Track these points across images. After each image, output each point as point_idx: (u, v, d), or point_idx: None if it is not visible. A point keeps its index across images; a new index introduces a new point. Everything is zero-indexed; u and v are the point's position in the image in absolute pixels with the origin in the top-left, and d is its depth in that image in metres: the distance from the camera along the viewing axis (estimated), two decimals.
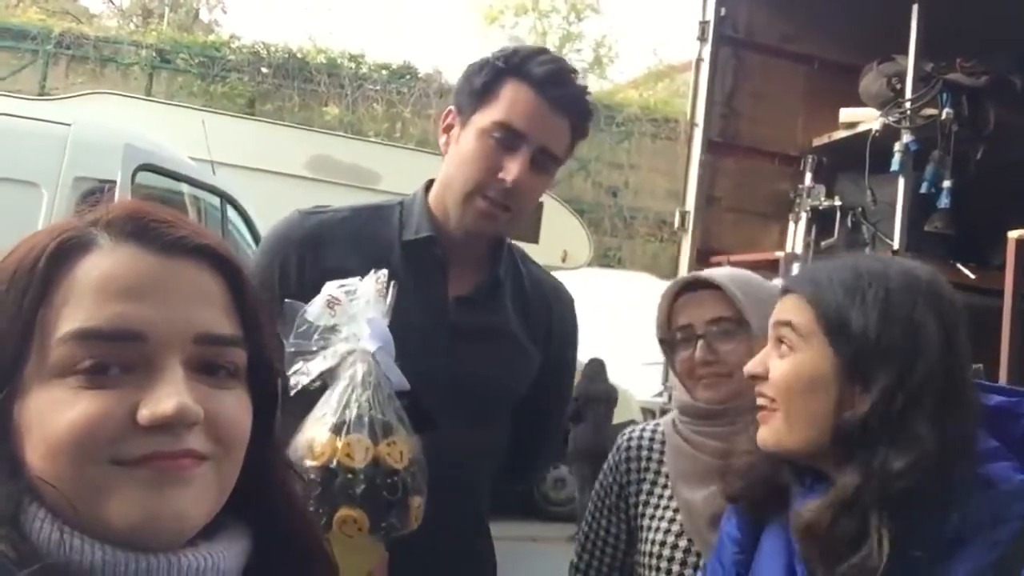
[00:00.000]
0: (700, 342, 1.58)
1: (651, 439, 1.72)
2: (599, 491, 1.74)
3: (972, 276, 3.84)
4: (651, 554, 1.63)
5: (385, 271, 1.24)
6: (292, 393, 1.16)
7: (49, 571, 0.65)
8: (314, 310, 1.19)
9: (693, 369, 1.59)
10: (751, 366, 1.24)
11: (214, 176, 4.64)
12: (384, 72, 13.89)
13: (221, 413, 0.73)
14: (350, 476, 1.10)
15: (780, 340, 1.20)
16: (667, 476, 1.66)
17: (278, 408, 0.85)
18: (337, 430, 1.13)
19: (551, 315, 1.70)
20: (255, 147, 7.23)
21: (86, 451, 0.67)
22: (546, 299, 1.70)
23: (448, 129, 1.57)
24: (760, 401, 1.22)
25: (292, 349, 1.16)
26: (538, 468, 1.84)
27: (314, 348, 1.18)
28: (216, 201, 4.28)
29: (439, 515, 1.44)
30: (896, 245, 3.84)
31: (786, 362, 1.18)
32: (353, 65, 13.90)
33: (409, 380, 1.46)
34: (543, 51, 1.56)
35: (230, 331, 0.75)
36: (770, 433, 1.19)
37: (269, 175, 6.96)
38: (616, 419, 7.57)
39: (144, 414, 0.68)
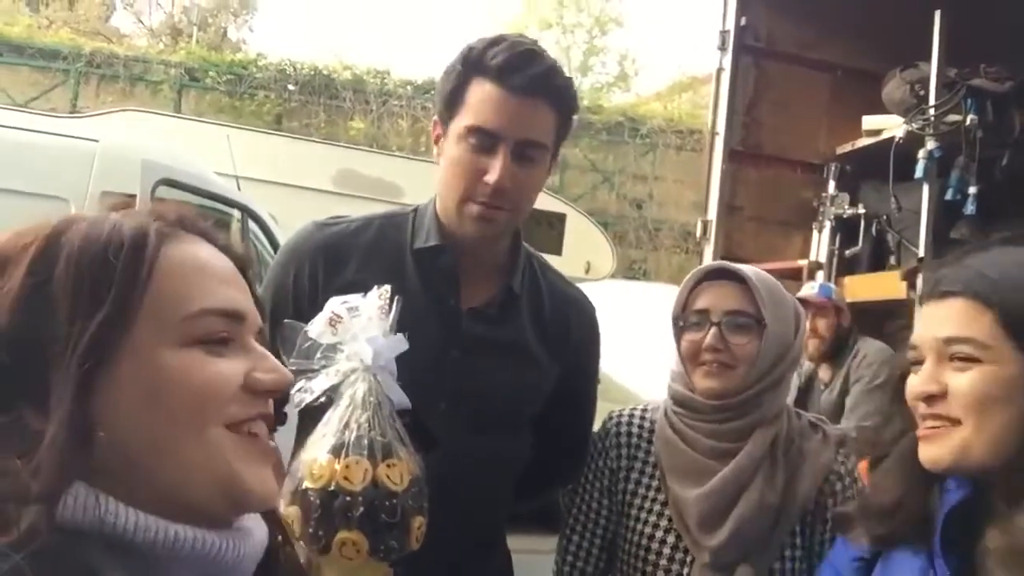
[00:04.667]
0: (713, 328, 1.56)
1: (640, 425, 1.69)
2: (589, 474, 1.70)
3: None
4: (638, 544, 1.61)
5: (388, 287, 1.23)
6: (297, 411, 1.16)
7: (47, 554, 0.66)
8: (316, 328, 1.18)
9: (698, 353, 1.58)
10: (923, 386, 1.13)
11: (239, 191, 4.69)
12: (409, 87, 13.97)
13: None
14: (349, 499, 1.09)
15: (954, 357, 1.11)
16: (654, 466, 1.64)
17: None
18: (336, 452, 1.12)
19: (570, 326, 1.65)
20: (281, 162, 7.30)
21: (210, 410, 0.75)
22: (565, 309, 1.65)
23: (437, 140, 1.55)
24: (931, 423, 1.12)
25: (295, 367, 1.15)
26: (556, 483, 1.81)
27: (316, 367, 1.17)
28: (237, 215, 4.31)
29: (453, 529, 1.43)
30: (921, 253, 3.80)
31: (971, 376, 1.09)
32: (378, 81, 13.99)
33: (419, 393, 1.40)
34: (499, 40, 1.48)
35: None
36: (948, 451, 1.10)
37: (295, 189, 7.03)
38: None
39: (265, 378, 0.79)
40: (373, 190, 7.38)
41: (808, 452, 1.59)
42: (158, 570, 0.71)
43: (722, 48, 4.37)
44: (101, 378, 0.71)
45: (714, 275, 1.62)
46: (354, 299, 1.21)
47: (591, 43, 23.00)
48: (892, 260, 4.15)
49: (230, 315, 0.78)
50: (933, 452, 1.11)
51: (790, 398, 1.75)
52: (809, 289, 3.94)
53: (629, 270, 13.19)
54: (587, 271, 8.15)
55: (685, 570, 1.55)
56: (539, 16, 22.41)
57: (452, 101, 1.48)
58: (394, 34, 37.65)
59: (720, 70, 4.38)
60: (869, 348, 3.85)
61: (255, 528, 0.81)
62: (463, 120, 1.46)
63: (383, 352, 1.18)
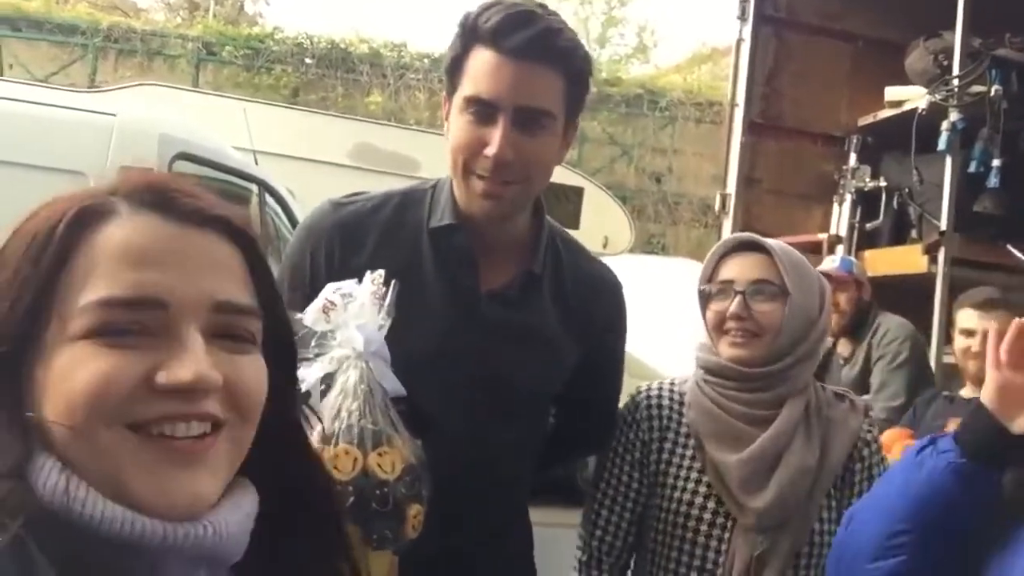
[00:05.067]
0: (738, 297, 1.60)
1: (671, 397, 1.70)
2: (619, 448, 1.70)
3: (1023, 257, 3.74)
4: (675, 512, 1.61)
5: (381, 272, 1.20)
6: None
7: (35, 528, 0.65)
8: (310, 315, 1.17)
9: (723, 322, 1.61)
10: None
11: (256, 166, 4.69)
12: (426, 61, 13.90)
13: (239, 379, 0.73)
14: (338, 489, 1.07)
15: None
16: (687, 435, 1.65)
17: (295, 376, 0.86)
18: (326, 440, 1.11)
19: (593, 304, 1.59)
20: (298, 136, 7.29)
21: (102, 409, 0.68)
22: (590, 288, 1.60)
23: (447, 116, 1.47)
24: None
25: None
26: (580, 452, 1.79)
27: (311, 355, 1.15)
28: (254, 189, 4.32)
29: (473, 512, 1.43)
30: (944, 226, 3.76)
31: None
32: (395, 55, 13.93)
33: (435, 379, 1.39)
34: (494, 3, 1.39)
35: (246, 300, 0.76)
36: None
37: (312, 164, 7.02)
38: None
39: (162, 378, 0.69)
40: (391, 164, 7.35)
41: (836, 420, 1.63)
42: (143, 560, 0.69)
43: (742, 18, 4.32)
44: (30, 366, 0.70)
45: (739, 247, 1.66)
46: (348, 285, 1.19)
47: (609, 14, 22.80)
48: (913, 233, 4.11)
49: (137, 303, 0.70)
50: None
51: None
52: (830, 263, 3.90)
53: (648, 244, 13.13)
54: (605, 245, 8.11)
55: (726, 535, 1.57)
56: None
57: (453, 72, 1.42)
58: (411, 7, 37.49)
59: (740, 41, 4.33)
60: (890, 323, 3.81)
61: (244, 501, 0.76)
62: (463, 92, 1.39)
63: (374, 339, 1.16)
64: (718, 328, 1.63)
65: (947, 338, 3.54)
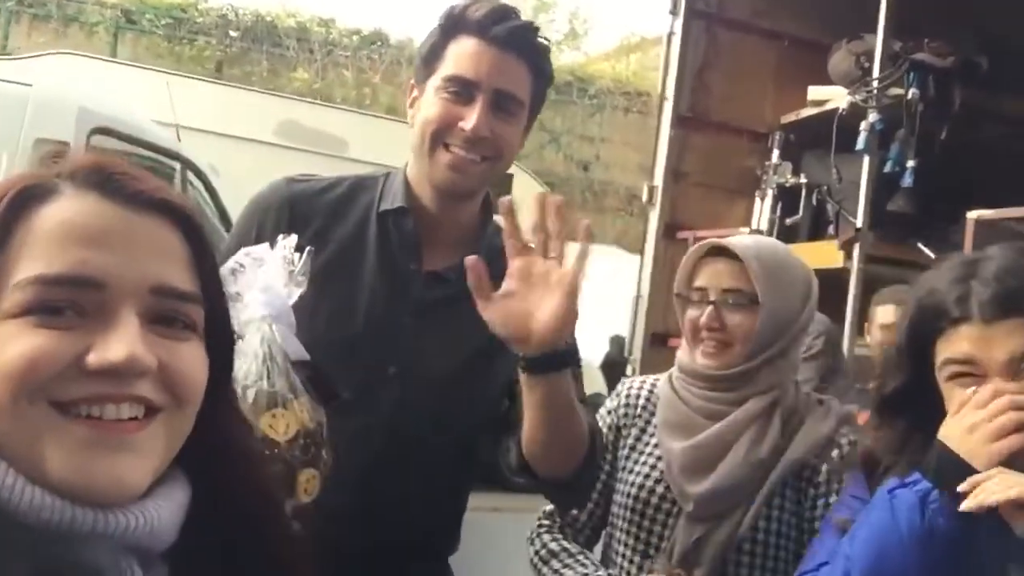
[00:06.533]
0: (710, 308, 1.60)
1: (650, 391, 1.76)
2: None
3: (932, 255, 3.89)
4: (629, 495, 1.67)
5: (294, 237, 1.21)
6: None
7: None
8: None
9: (697, 331, 1.63)
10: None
11: (179, 141, 4.57)
12: (355, 38, 13.71)
13: (175, 364, 0.73)
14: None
15: None
16: (655, 427, 1.70)
17: (233, 364, 0.85)
18: None
19: None
20: (222, 112, 7.12)
21: (25, 385, 0.67)
22: None
23: (413, 104, 1.55)
24: None
25: None
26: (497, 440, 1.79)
27: None
28: (176, 166, 4.21)
29: (398, 485, 1.45)
30: (859, 224, 3.88)
31: None
32: (323, 30, 13.69)
33: (368, 356, 1.45)
34: (478, 0, 1.51)
35: (187, 286, 0.75)
36: None
37: (236, 140, 6.87)
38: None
39: (93, 358, 0.68)
40: (317, 143, 7.24)
41: (807, 421, 1.63)
42: (71, 547, 0.68)
43: (673, 12, 4.36)
44: None
45: (714, 252, 1.65)
46: (259, 250, 1.19)
47: (541, 0, 22.81)
48: (831, 230, 4.23)
49: (73, 282, 0.69)
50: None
51: None
52: None
53: (573, 232, 13.23)
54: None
55: (670, 520, 1.61)
56: None
57: (431, 58, 1.50)
58: None
59: (671, 34, 4.38)
60: None
61: (176, 492, 0.76)
62: (441, 73, 1.48)
63: (278, 303, 1.16)
64: (693, 335, 1.64)
65: (859, 330, 3.67)
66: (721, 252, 1.64)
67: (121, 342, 0.69)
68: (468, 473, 1.65)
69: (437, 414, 1.48)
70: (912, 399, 1.29)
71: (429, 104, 1.49)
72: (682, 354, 1.71)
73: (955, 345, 1.22)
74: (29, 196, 0.72)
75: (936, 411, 1.24)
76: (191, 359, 0.74)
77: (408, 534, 1.48)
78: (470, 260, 1.28)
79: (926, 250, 3.92)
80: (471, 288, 1.28)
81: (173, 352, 0.73)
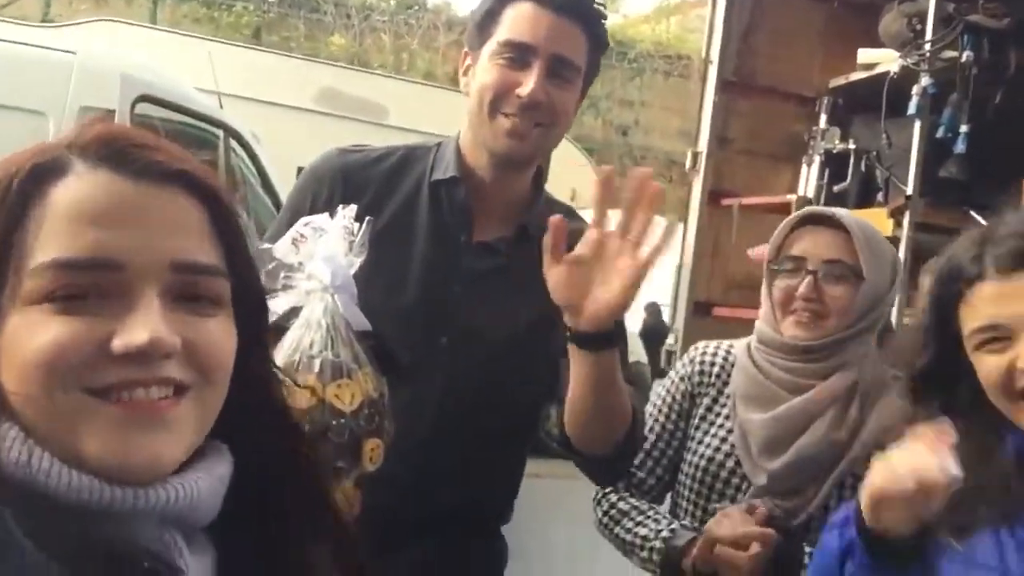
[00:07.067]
0: (809, 277, 1.55)
1: (724, 358, 1.73)
2: (668, 398, 1.75)
3: (985, 224, 3.80)
4: (696, 466, 1.65)
5: (354, 206, 1.21)
6: None
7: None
8: (281, 248, 1.17)
9: (790, 300, 1.57)
10: None
11: (221, 109, 4.58)
12: (392, 2, 13.66)
13: (201, 341, 0.72)
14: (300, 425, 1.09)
15: None
16: (728, 396, 1.67)
17: (266, 336, 0.84)
18: (285, 372, 1.12)
19: None
20: (263, 79, 7.13)
21: (57, 376, 0.67)
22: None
23: (467, 72, 1.54)
24: None
25: None
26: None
27: (279, 287, 1.16)
28: (219, 134, 4.22)
29: (452, 455, 1.46)
30: (910, 191, 3.80)
31: None
32: None
33: (420, 327, 1.46)
34: None
35: (210, 259, 0.74)
36: None
37: (277, 108, 6.89)
38: None
39: (117, 343, 0.68)
40: (357, 110, 7.24)
41: (882, 401, 1.58)
42: (114, 525, 0.69)
43: None
44: None
45: (813, 220, 1.61)
46: (320, 219, 1.20)
47: None
48: (880, 197, 4.15)
49: (90, 266, 0.68)
50: None
51: None
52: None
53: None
54: (572, 198, 8.10)
55: (738, 496, 1.58)
56: None
57: (486, 23, 1.49)
58: None
59: None
60: None
61: (216, 465, 0.76)
62: (498, 38, 1.47)
63: (340, 272, 1.17)
64: (784, 305, 1.59)
65: (907, 300, 3.60)
66: (820, 221, 1.59)
67: (143, 324, 0.68)
68: (523, 445, 1.65)
69: (489, 385, 1.48)
70: (943, 376, 1.25)
71: (484, 70, 1.48)
72: (763, 324, 1.66)
73: (976, 310, 1.17)
74: (42, 173, 0.71)
75: (970, 389, 1.21)
76: (217, 334, 0.74)
77: (462, 504, 1.49)
78: (555, 219, 1.29)
79: (979, 218, 3.82)
80: (544, 247, 1.28)
81: (198, 329, 0.72)
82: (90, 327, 0.68)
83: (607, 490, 1.75)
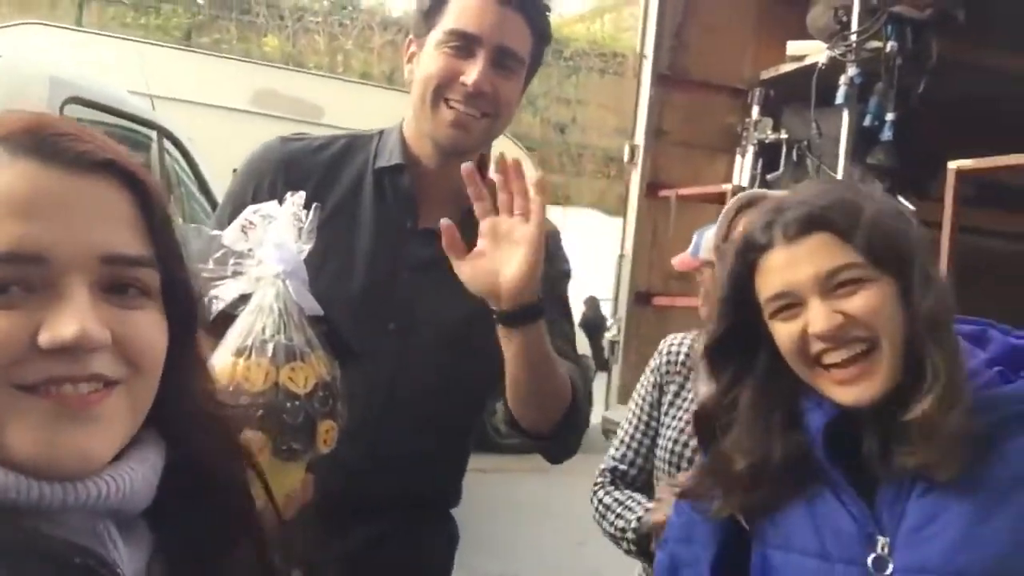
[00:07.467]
0: None
1: (691, 346, 1.85)
2: (643, 391, 1.89)
3: (913, 208, 3.93)
4: (666, 448, 1.78)
5: (302, 193, 1.20)
6: (211, 319, 1.14)
7: None
8: (230, 235, 1.16)
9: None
10: (829, 321, 1.13)
11: (154, 111, 4.50)
12: (325, 3, 13.54)
13: (130, 333, 0.71)
14: (248, 400, 1.08)
15: (840, 284, 1.14)
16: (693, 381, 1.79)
17: (196, 327, 0.82)
18: (239, 355, 1.11)
19: None
20: (196, 80, 7.02)
21: None
22: None
23: (411, 59, 1.55)
24: (843, 354, 1.13)
25: (207, 275, 1.13)
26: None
27: (228, 273, 1.15)
28: (153, 135, 4.15)
29: (403, 447, 1.46)
30: (840, 178, 3.90)
31: (865, 295, 1.13)
32: None
33: (367, 313, 1.47)
34: None
35: (138, 251, 0.72)
36: (878, 381, 1.12)
37: (211, 109, 6.78)
38: None
39: (44, 338, 0.66)
40: (293, 110, 7.16)
41: None
42: (43, 520, 0.68)
43: None
44: None
45: (752, 203, 1.70)
46: (268, 206, 1.19)
47: None
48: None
49: (14, 259, 0.66)
50: (858, 391, 1.12)
51: None
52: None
53: (551, 196, 13.23)
54: None
55: None
56: None
57: (432, 12, 1.49)
58: None
59: None
60: None
61: (149, 453, 0.75)
62: (443, 27, 1.47)
63: (291, 259, 1.17)
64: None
65: None
66: (753, 205, 1.68)
67: (71, 318, 0.66)
68: (471, 428, 1.66)
69: (438, 370, 1.49)
70: (737, 346, 1.24)
71: (429, 58, 1.48)
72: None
73: (768, 278, 1.18)
74: None
75: (763, 355, 1.22)
76: (147, 326, 0.73)
77: (411, 487, 1.49)
78: (444, 223, 1.33)
79: (907, 203, 3.95)
80: (444, 249, 1.32)
81: (127, 321, 0.71)
82: (16, 322, 0.66)
83: (596, 487, 1.85)
